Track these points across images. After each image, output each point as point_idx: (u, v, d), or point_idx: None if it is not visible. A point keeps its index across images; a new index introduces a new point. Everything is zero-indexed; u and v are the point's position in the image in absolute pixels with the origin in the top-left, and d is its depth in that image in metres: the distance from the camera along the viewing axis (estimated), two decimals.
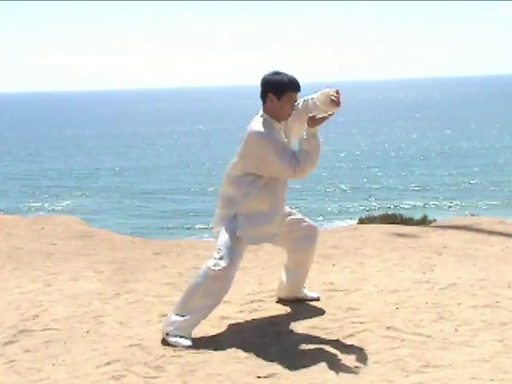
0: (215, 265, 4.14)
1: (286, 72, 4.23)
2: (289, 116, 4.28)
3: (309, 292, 4.95)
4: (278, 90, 4.16)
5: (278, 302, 4.92)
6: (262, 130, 4.13)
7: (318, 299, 4.91)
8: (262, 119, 4.21)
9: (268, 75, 4.23)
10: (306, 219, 4.65)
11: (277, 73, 4.21)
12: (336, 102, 4.12)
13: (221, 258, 4.16)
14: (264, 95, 4.23)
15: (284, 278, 4.84)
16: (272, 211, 4.29)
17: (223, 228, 4.32)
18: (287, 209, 4.56)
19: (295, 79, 4.21)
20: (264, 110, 4.25)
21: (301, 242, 4.57)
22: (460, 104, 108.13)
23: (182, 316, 4.20)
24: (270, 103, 4.20)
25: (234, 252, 4.19)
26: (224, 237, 4.25)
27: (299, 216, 4.64)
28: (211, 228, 4.68)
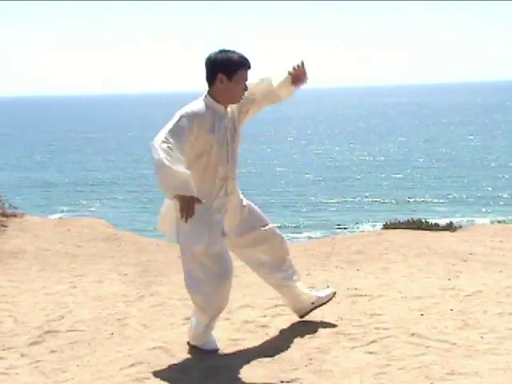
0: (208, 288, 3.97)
1: (234, 49, 3.86)
2: (241, 98, 3.92)
3: (317, 292, 4.54)
4: (229, 69, 3.79)
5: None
6: (184, 110, 3.77)
7: (331, 296, 4.52)
8: (199, 101, 3.86)
9: (214, 54, 3.84)
10: (270, 228, 4.23)
11: (223, 51, 3.83)
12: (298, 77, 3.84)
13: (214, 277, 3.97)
14: (211, 76, 3.83)
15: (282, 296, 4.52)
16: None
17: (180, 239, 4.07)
18: (246, 210, 4.15)
19: (245, 56, 3.85)
20: (211, 94, 3.87)
21: (262, 253, 4.22)
22: (492, 110, 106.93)
23: (199, 329, 4.15)
24: (219, 85, 3.81)
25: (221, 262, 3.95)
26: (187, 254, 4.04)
27: (262, 224, 4.21)
28: None
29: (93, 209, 32.98)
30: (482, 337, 4.17)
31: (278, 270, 4.30)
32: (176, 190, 3.64)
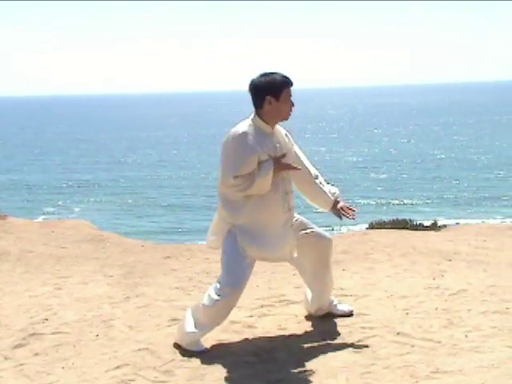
0: (220, 294, 4.00)
1: (272, 71, 4.05)
2: (289, 115, 4.08)
3: (340, 305, 4.71)
4: (275, 90, 3.97)
5: (288, 306, 4.93)
6: (239, 130, 3.97)
7: (350, 314, 4.66)
8: (248, 123, 4.03)
9: (257, 79, 4.02)
10: (317, 230, 4.39)
11: (265, 74, 4.02)
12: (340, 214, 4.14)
13: (225, 284, 4.01)
14: (260, 100, 4.00)
15: (306, 292, 4.68)
16: (269, 224, 4.06)
17: (223, 244, 4.15)
18: (297, 221, 4.32)
19: (286, 75, 4.03)
20: (260, 115, 4.03)
21: (308, 258, 4.36)
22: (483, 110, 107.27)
23: (192, 330, 4.15)
24: (268, 106, 3.98)
25: (236, 273, 4.03)
26: (225, 256, 4.10)
27: (308, 226, 4.36)
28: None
29: (77, 209, 32.81)
30: (466, 335, 4.19)
31: (318, 262, 4.39)
32: (269, 178, 3.94)
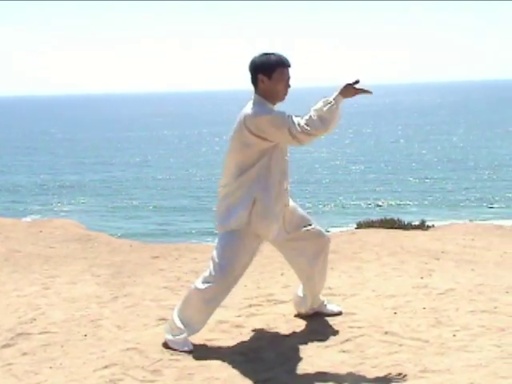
0: (209, 281, 4.05)
1: (274, 52, 4.05)
2: (285, 95, 4.05)
3: (329, 305, 4.72)
4: (267, 69, 3.95)
5: (276, 305, 4.93)
6: (257, 108, 3.94)
7: (339, 313, 4.67)
8: (254, 101, 4.01)
9: (255, 58, 4.03)
10: (317, 227, 4.41)
11: (264, 53, 4.03)
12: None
13: (215, 272, 4.04)
14: (254, 79, 4.01)
15: (298, 292, 4.66)
16: (270, 198, 4.04)
17: (221, 234, 4.13)
18: (298, 209, 4.36)
19: (283, 56, 4.02)
20: (259, 95, 4.02)
21: (305, 255, 4.35)
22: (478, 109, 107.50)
23: (181, 326, 4.16)
24: (261, 85, 3.98)
25: (230, 261, 4.05)
26: (220, 246, 4.11)
27: (310, 222, 4.38)
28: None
29: (66, 209, 32.64)
30: (454, 334, 4.21)
31: (315, 259, 4.37)
32: (336, 106, 3.89)
